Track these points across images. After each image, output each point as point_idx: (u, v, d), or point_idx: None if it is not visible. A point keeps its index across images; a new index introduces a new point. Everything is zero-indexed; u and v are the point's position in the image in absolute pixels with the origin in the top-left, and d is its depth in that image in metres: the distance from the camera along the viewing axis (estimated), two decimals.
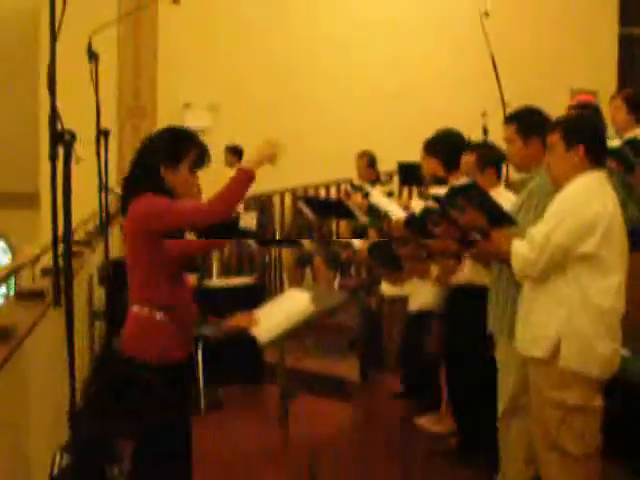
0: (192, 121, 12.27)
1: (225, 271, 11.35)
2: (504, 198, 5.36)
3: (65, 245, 3.31)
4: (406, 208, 6.39)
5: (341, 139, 11.95)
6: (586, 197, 4.13)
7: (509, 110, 6.04)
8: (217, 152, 11.33)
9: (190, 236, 4.25)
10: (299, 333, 4.10)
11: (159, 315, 3.96)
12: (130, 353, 4.00)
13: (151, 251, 3.96)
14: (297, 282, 10.70)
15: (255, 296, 7.40)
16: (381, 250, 5.72)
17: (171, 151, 3.96)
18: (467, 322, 5.47)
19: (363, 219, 8.85)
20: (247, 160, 4.00)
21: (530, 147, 4.79)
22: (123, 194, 4.04)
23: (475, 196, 4.39)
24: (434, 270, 5.48)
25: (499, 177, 5.62)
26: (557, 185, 4.31)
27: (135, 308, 4.01)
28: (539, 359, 4.22)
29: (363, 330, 7.19)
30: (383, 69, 12.80)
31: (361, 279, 6.80)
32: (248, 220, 8.46)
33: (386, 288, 6.32)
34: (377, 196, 6.29)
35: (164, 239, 3.95)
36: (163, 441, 4.00)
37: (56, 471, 3.60)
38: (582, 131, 4.27)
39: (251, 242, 8.92)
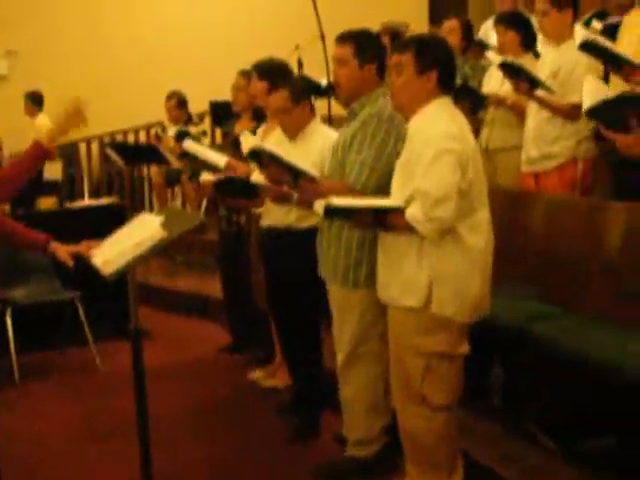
0: None
1: (95, 193, 10.89)
2: (321, 134, 5.12)
3: None
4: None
5: (149, 80, 11.46)
6: (449, 132, 3.74)
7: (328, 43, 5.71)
8: (16, 101, 10.72)
9: None
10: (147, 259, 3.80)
11: None
12: None
13: None
14: (166, 202, 10.47)
15: (119, 218, 6.91)
16: (231, 185, 5.28)
17: None
18: (290, 268, 5.11)
19: (176, 164, 8.45)
20: (47, 132, 3.63)
21: (365, 71, 4.35)
22: None
23: (355, 211, 4.02)
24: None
25: (313, 110, 5.22)
26: (402, 112, 3.96)
27: None
28: (412, 308, 3.84)
29: (222, 250, 6.80)
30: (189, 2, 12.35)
31: None
32: (53, 171, 7.94)
33: None
34: (192, 145, 5.81)
35: None
36: None
37: None
38: (437, 54, 3.88)
39: (117, 159, 8.41)
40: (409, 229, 3.78)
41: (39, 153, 3.50)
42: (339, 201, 3.96)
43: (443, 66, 3.85)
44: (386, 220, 3.89)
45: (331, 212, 3.96)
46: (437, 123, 3.78)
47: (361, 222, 4.05)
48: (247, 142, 5.81)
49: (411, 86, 3.84)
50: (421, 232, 3.73)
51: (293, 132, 5.14)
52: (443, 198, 3.65)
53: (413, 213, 3.72)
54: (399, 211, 3.80)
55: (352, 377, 4.57)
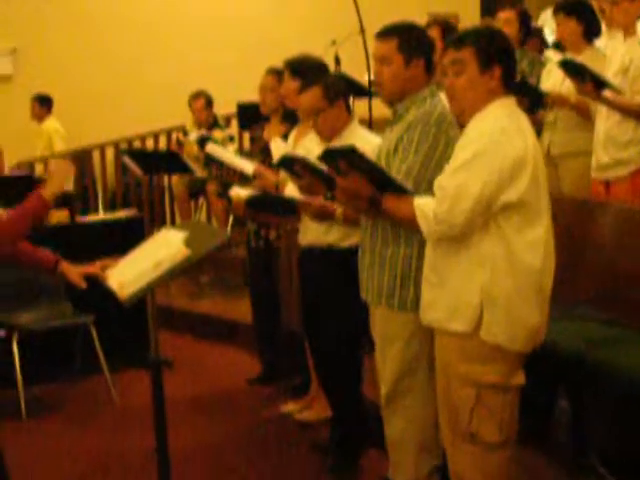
0: None
1: (110, 205, 10.89)
2: (360, 138, 4.98)
3: None
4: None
5: (170, 80, 11.55)
6: (505, 131, 3.66)
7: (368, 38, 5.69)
8: (22, 103, 10.81)
9: None
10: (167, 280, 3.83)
11: None
12: None
13: None
14: (189, 215, 10.46)
15: (137, 233, 7.08)
16: (265, 201, 5.24)
17: None
18: (331, 290, 5.06)
19: (200, 172, 8.46)
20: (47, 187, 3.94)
21: (411, 69, 4.29)
22: None
23: (357, 161, 3.90)
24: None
25: (349, 111, 5.15)
26: (463, 116, 3.84)
27: None
28: (459, 333, 3.77)
29: (251, 268, 6.82)
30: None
31: None
32: None
33: None
34: (215, 149, 5.78)
35: None
36: None
37: None
38: (499, 48, 3.79)
39: (135, 168, 8.41)
40: (404, 220, 3.81)
41: (41, 209, 3.81)
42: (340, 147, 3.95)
43: (506, 61, 3.78)
44: (383, 200, 3.87)
45: (329, 156, 3.94)
46: (495, 123, 3.69)
47: (357, 188, 3.93)
48: (278, 150, 5.77)
49: (475, 86, 3.75)
50: (424, 230, 3.71)
51: (328, 134, 5.05)
52: (466, 204, 3.58)
53: (424, 208, 3.69)
54: (401, 194, 3.80)
55: (398, 413, 4.48)
